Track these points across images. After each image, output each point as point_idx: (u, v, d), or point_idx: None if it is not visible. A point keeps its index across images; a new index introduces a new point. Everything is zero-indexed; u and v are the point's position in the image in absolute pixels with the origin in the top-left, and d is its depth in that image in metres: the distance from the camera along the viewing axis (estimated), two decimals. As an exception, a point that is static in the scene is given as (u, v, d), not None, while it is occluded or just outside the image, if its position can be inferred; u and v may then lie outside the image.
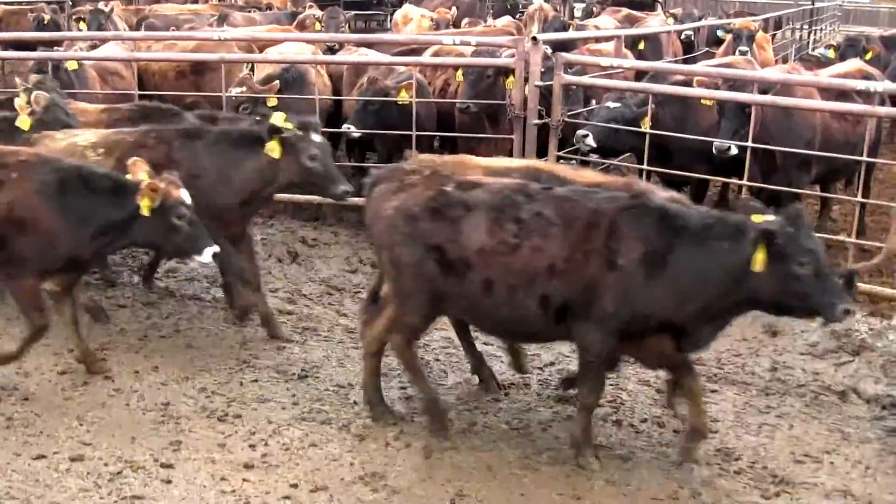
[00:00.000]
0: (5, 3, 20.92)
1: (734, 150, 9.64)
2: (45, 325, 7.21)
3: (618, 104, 10.48)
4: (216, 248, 7.06)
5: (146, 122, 8.82)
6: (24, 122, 8.61)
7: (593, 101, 11.17)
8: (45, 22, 17.66)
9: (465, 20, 20.19)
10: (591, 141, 10.11)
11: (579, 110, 10.92)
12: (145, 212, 6.89)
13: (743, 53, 14.64)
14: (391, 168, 6.97)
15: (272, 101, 10.89)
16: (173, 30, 16.54)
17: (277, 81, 11.18)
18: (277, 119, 7.87)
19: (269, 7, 23.04)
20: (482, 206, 6.20)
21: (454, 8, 20.45)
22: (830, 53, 16.00)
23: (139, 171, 7.06)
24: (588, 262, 5.96)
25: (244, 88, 11.03)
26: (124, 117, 9.36)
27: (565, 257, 5.99)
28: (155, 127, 8.43)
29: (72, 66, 11.77)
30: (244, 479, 6.10)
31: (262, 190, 8.08)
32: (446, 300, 6.41)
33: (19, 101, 8.76)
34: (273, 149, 7.81)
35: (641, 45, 15.53)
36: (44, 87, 9.01)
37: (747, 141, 9.56)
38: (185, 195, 7.00)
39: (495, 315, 6.28)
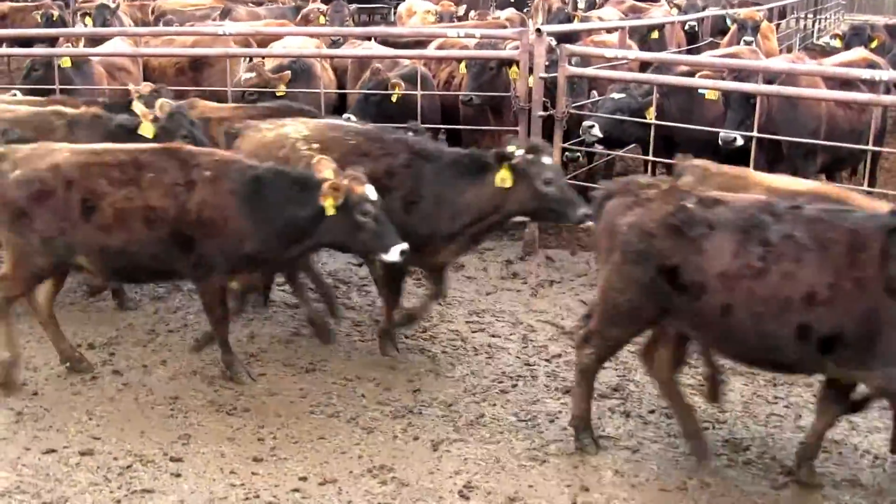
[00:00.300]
0: (11, 0, 20.99)
1: (740, 141, 9.63)
2: (225, 320, 7.32)
3: (622, 95, 10.49)
4: (405, 246, 6.83)
5: None
6: (147, 128, 8.37)
7: (594, 93, 11.17)
8: (54, 18, 17.71)
9: (472, 13, 20.18)
10: (597, 131, 10.12)
11: (584, 102, 10.92)
12: (330, 211, 6.79)
13: (748, 44, 14.61)
14: (625, 182, 6.48)
15: (281, 92, 10.92)
16: (177, 26, 16.59)
17: (289, 72, 11.20)
18: (506, 148, 7.35)
19: (273, 0, 23.05)
20: (725, 225, 5.78)
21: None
22: (837, 43, 15.97)
23: (324, 170, 6.94)
24: (861, 290, 5.47)
25: (254, 75, 11.05)
26: (259, 115, 9.10)
27: (829, 285, 5.51)
28: (382, 135, 8.00)
29: (65, 62, 11.75)
30: (253, 473, 6.11)
31: (479, 221, 7.50)
32: (674, 318, 6.03)
33: (140, 108, 8.55)
34: (505, 178, 7.27)
35: (655, 35, 15.52)
36: (158, 94, 8.82)
37: (753, 131, 9.55)
38: (370, 191, 6.83)
39: (738, 340, 5.83)
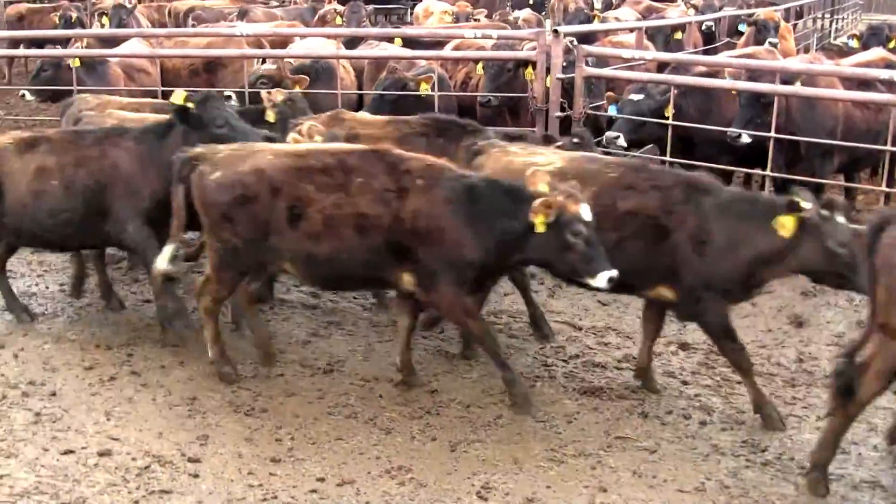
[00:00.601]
0: (29, 1, 21.10)
1: (746, 139, 9.68)
2: (485, 330, 7.05)
3: (641, 96, 10.47)
4: (614, 273, 6.39)
5: (441, 138, 8.38)
6: None
7: (611, 94, 11.15)
8: (73, 20, 17.80)
9: (484, 13, 20.17)
10: (622, 142, 10.11)
11: (600, 102, 10.91)
12: (540, 228, 6.46)
13: (773, 45, 14.52)
14: None
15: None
16: (194, 25, 16.66)
17: (306, 76, 11.21)
18: (794, 195, 6.66)
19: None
20: None
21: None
22: (854, 43, 15.90)
23: (539, 183, 6.65)
24: None
25: (274, 67, 11.07)
26: (416, 132, 8.83)
27: None
28: (647, 166, 7.41)
29: (74, 63, 11.81)
30: (271, 473, 6.12)
31: (764, 267, 6.81)
32: None
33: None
34: (784, 226, 6.57)
35: (678, 35, 15.51)
36: (293, 102, 8.59)
37: (763, 130, 9.58)
38: (584, 211, 6.45)
39: None
